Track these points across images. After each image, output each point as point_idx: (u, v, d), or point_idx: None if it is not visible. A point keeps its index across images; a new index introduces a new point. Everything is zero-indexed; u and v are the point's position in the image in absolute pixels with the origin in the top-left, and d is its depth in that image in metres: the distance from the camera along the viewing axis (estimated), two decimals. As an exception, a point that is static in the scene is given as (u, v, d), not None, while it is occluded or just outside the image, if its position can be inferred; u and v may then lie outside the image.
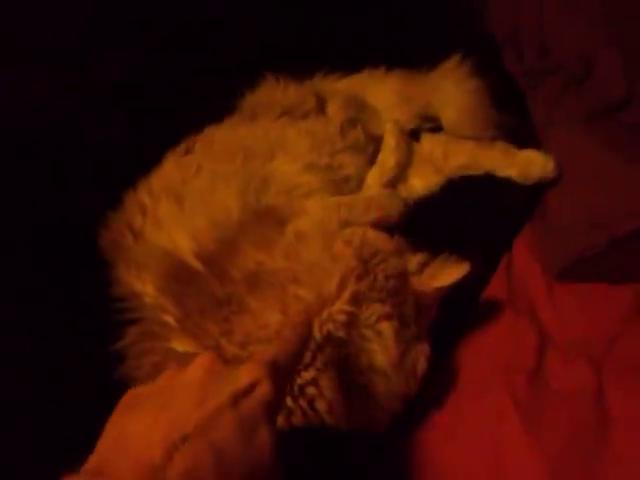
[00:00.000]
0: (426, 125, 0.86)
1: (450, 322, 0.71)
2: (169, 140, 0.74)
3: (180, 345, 0.59)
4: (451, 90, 0.84)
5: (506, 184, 0.80)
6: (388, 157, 0.79)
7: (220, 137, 0.74)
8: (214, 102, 0.79)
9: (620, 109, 0.78)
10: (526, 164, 0.78)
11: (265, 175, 0.70)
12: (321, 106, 0.80)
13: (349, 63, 0.86)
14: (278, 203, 0.68)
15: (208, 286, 0.60)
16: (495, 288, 0.75)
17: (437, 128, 0.86)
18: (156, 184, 0.70)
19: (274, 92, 0.79)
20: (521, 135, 0.82)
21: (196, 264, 0.62)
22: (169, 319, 0.60)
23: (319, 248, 0.62)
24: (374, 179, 0.77)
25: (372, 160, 0.79)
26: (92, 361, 0.63)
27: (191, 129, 0.75)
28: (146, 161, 0.72)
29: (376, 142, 0.81)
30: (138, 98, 0.78)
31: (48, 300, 0.66)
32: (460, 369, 0.69)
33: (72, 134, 0.73)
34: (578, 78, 0.82)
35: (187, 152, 0.73)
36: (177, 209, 0.66)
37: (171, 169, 0.71)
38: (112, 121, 0.76)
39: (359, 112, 0.82)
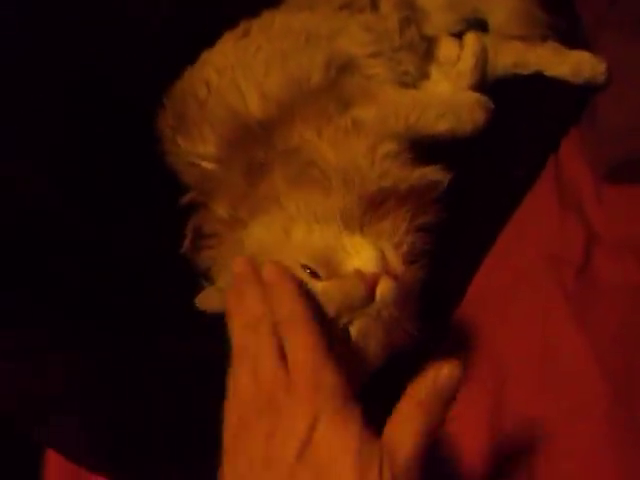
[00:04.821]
0: (472, 29, 0.84)
1: (494, 216, 0.73)
2: (219, 23, 0.74)
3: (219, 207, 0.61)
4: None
5: (554, 87, 0.80)
6: (463, 77, 0.77)
7: (280, 20, 0.74)
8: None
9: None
10: (577, 63, 0.78)
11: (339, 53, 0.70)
12: (374, 4, 0.78)
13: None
14: (352, 82, 0.68)
15: (253, 149, 0.62)
16: (543, 187, 0.75)
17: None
18: (217, 60, 0.71)
19: None
20: (570, 38, 0.81)
21: (255, 124, 0.64)
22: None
23: (366, 147, 0.62)
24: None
25: (424, 58, 0.78)
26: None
27: (244, 14, 0.74)
28: (197, 44, 0.73)
29: (427, 42, 0.80)
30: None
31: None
32: (509, 257, 0.70)
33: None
34: (633, -22, 0.80)
35: (245, 34, 0.73)
36: (247, 74, 0.67)
37: (229, 48, 0.72)
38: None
39: (411, 12, 0.80)
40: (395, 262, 0.53)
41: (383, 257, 0.52)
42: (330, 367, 0.41)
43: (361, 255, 0.52)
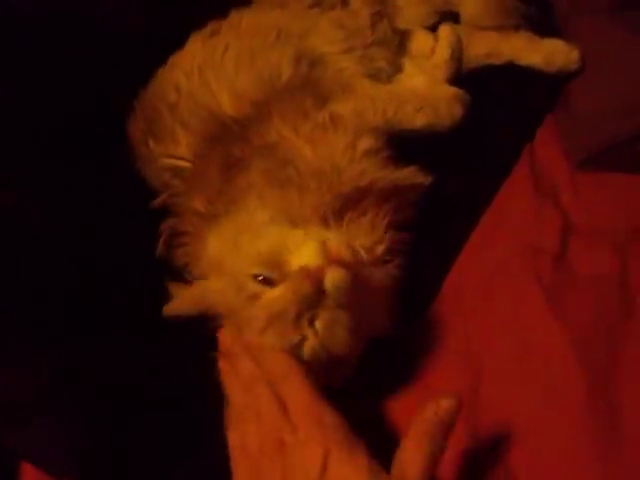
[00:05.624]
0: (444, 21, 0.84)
1: (470, 208, 0.73)
2: (190, 26, 0.74)
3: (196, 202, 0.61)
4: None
5: (527, 77, 0.79)
6: (439, 69, 0.76)
7: (249, 19, 0.74)
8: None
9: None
10: (550, 51, 0.77)
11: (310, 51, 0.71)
12: (344, 0, 0.78)
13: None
14: (328, 76, 0.68)
15: (230, 145, 0.62)
16: (518, 176, 0.75)
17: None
18: (185, 62, 0.71)
19: None
20: (543, 26, 0.81)
21: (230, 122, 0.64)
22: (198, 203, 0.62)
23: (345, 143, 0.62)
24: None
25: (397, 53, 0.78)
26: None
27: (213, 15, 0.74)
28: (166, 47, 0.73)
29: (400, 36, 0.80)
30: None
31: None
32: (486, 248, 0.69)
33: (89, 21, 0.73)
34: (603, -38, 0.79)
35: (213, 34, 0.72)
36: (218, 74, 0.68)
37: (197, 49, 0.71)
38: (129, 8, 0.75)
39: (382, 6, 0.80)
40: (339, 249, 0.53)
41: (324, 248, 0.52)
42: (328, 407, 0.47)
43: (301, 250, 0.52)
